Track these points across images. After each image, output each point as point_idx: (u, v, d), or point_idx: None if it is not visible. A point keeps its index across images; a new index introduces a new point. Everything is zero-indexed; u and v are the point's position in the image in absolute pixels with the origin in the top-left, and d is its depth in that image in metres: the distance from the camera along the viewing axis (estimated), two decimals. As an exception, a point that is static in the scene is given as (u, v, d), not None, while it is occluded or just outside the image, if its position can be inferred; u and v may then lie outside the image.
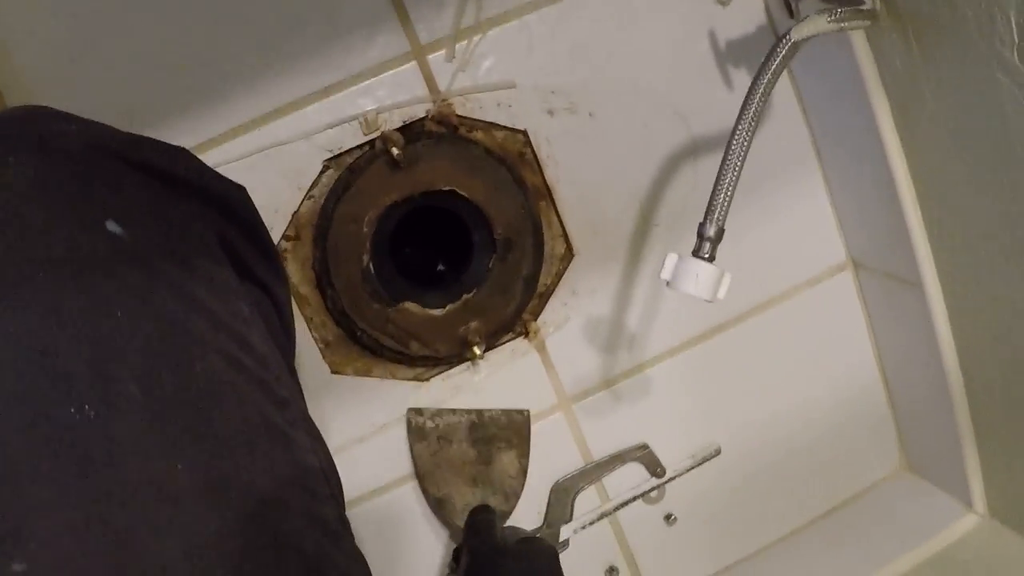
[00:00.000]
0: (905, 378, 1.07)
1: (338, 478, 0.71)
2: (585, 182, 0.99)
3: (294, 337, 0.79)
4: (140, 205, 0.61)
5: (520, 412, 1.03)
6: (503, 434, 1.02)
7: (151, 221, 0.61)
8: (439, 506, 1.01)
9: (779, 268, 1.06)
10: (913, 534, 1.03)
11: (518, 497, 1.03)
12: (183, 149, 0.67)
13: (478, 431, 1.02)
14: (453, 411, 1.01)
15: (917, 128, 0.86)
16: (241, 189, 0.72)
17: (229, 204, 0.69)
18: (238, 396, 0.61)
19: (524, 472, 1.03)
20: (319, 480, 0.67)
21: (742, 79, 0.99)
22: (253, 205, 0.73)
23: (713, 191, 0.80)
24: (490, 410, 1.02)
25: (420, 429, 1.01)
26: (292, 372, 0.75)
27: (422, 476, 1.01)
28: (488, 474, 1.02)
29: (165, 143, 0.66)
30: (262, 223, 0.74)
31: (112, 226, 0.57)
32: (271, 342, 0.69)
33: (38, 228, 0.54)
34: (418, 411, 1.00)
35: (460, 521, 1.00)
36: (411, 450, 1.01)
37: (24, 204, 0.54)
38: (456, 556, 1.00)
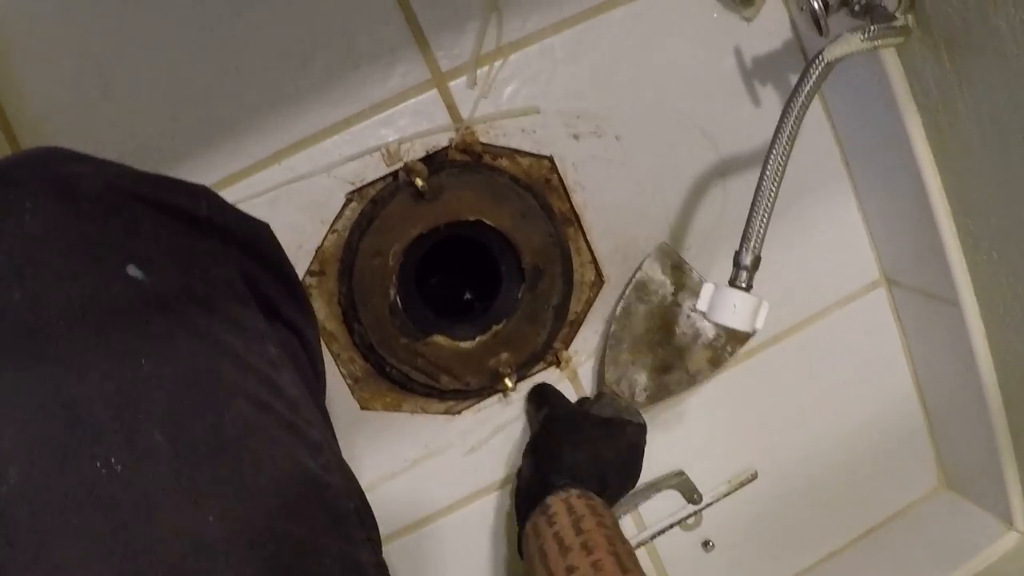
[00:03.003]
0: (942, 395, 1.05)
1: (374, 520, 0.69)
2: (613, 207, 0.98)
3: (324, 377, 0.77)
4: (161, 247, 0.59)
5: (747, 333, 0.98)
6: (718, 331, 0.98)
7: (173, 264, 0.59)
8: (613, 342, 0.98)
9: (812, 288, 1.04)
10: (953, 553, 1.01)
11: (664, 398, 0.99)
12: (203, 187, 0.65)
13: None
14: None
15: (950, 143, 0.85)
16: (265, 226, 0.70)
17: (253, 242, 0.68)
18: (269, 442, 0.60)
19: (697, 383, 0.99)
20: (355, 525, 0.65)
21: (769, 96, 0.98)
22: (278, 242, 0.71)
23: (749, 218, 0.78)
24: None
25: (657, 270, 0.98)
26: (324, 413, 0.73)
27: (621, 311, 0.98)
28: (669, 356, 0.98)
29: (184, 181, 0.64)
30: (287, 261, 0.72)
31: (133, 271, 0.56)
32: (301, 384, 0.67)
33: (57, 275, 0.52)
34: (666, 251, 0.98)
35: (610, 372, 0.97)
36: (619, 303, 0.98)
37: (42, 250, 0.52)
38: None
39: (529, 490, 0.86)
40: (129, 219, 0.58)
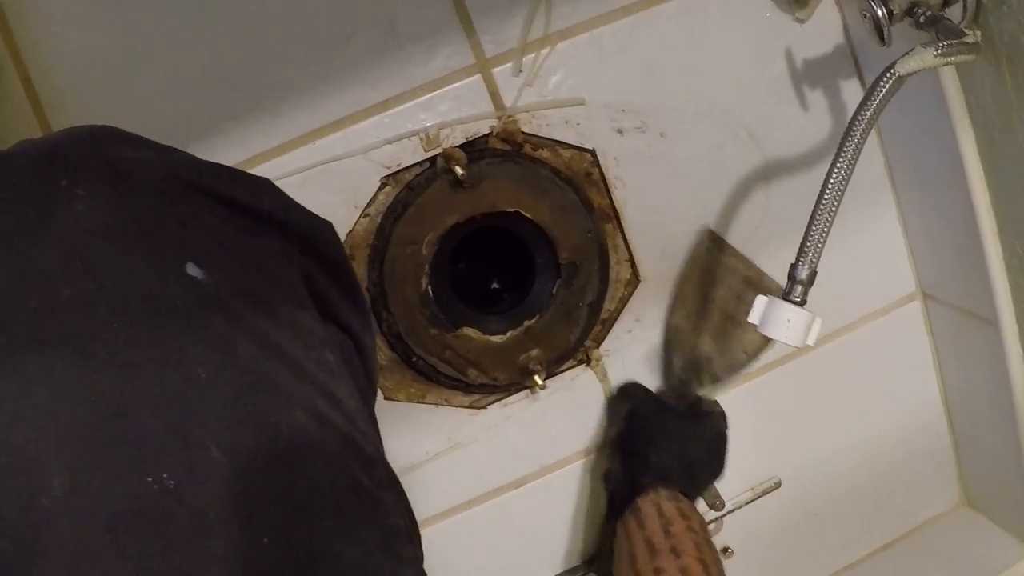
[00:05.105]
0: (969, 413, 1.05)
1: (419, 536, 0.67)
2: (654, 204, 0.95)
3: (376, 383, 0.74)
4: (221, 244, 0.56)
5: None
6: None
7: (233, 262, 0.56)
8: (673, 332, 0.97)
9: (846, 298, 1.02)
10: (971, 573, 1.01)
11: (736, 375, 0.98)
12: (266, 180, 0.62)
13: (749, 292, 0.96)
14: (740, 257, 0.96)
15: (1003, 162, 0.83)
16: (327, 224, 0.67)
17: (313, 240, 0.64)
18: (325, 457, 0.57)
19: (756, 357, 0.98)
20: (404, 543, 0.63)
21: (818, 101, 0.96)
22: (340, 242, 0.68)
23: (807, 231, 0.76)
24: (772, 280, 0.97)
25: (708, 254, 0.96)
26: (374, 421, 0.70)
27: (677, 296, 0.98)
28: (728, 335, 0.97)
29: (247, 173, 0.61)
30: (348, 261, 0.69)
31: (192, 269, 0.52)
32: (357, 393, 0.64)
33: (111, 272, 0.49)
34: (712, 237, 0.96)
35: (676, 358, 0.96)
36: (687, 263, 0.97)
37: (95, 244, 0.49)
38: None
39: (619, 490, 0.85)
40: (188, 212, 0.54)
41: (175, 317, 0.51)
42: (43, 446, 0.45)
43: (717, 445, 0.92)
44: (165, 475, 0.47)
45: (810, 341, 0.77)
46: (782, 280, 0.96)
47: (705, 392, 0.97)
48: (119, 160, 0.52)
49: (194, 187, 0.55)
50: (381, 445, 0.70)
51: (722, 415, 0.94)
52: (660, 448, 0.87)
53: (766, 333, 0.76)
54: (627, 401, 0.93)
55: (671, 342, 0.97)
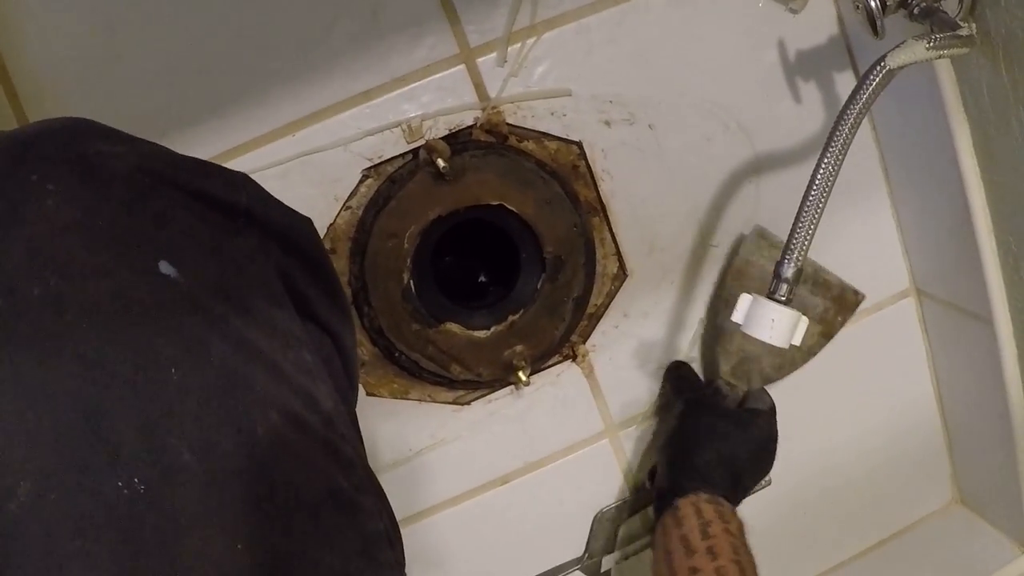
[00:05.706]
0: (963, 411, 1.03)
1: (400, 538, 0.66)
2: (641, 198, 0.94)
3: (357, 383, 0.73)
4: (196, 241, 0.54)
5: (856, 293, 0.97)
6: (825, 304, 0.96)
7: (207, 260, 0.54)
8: (718, 332, 0.96)
9: (839, 293, 1.00)
10: (964, 572, 1.00)
11: (788, 373, 0.97)
12: (243, 175, 0.61)
13: (804, 288, 0.96)
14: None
15: (999, 156, 0.81)
16: (307, 221, 0.65)
17: (292, 237, 0.63)
18: (302, 461, 0.56)
19: (814, 354, 0.97)
20: (384, 547, 0.62)
21: (810, 93, 0.94)
22: (319, 238, 0.67)
23: (793, 229, 0.74)
24: (830, 273, 0.97)
25: (757, 250, 0.94)
26: (354, 421, 0.69)
27: (720, 296, 0.97)
28: None
29: (224, 168, 0.60)
30: (328, 258, 0.68)
31: (165, 267, 0.51)
32: (336, 394, 0.63)
33: (82, 270, 0.48)
34: (763, 234, 0.95)
35: (723, 360, 0.95)
36: (729, 265, 0.96)
37: (67, 242, 0.48)
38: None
39: (662, 489, 0.84)
40: (162, 208, 0.53)
41: (147, 317, 0.49)
42: (10, 450, 0.44)
43: (766, 446, 0.90)
44: (136, 479, 0.46)
45: (795, 341, 0.75)
46: (842, 273, 0.98)
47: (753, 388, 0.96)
48: (92, 154, 0.51)
49: (169, 182, 0.54)
50: (361, 447, 0.68)
51: (772, 411, 0.92)
52: (707, 451, 0.86)
53: (750, 333, 0.75)
54: (680, 398, 0.92)
55: (717, 344, 0.96)
